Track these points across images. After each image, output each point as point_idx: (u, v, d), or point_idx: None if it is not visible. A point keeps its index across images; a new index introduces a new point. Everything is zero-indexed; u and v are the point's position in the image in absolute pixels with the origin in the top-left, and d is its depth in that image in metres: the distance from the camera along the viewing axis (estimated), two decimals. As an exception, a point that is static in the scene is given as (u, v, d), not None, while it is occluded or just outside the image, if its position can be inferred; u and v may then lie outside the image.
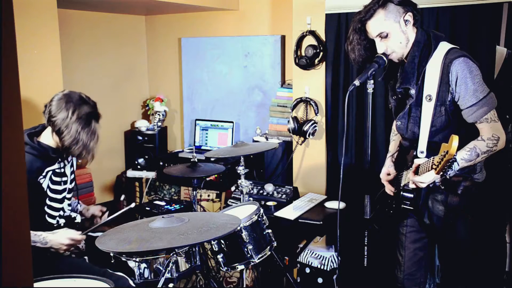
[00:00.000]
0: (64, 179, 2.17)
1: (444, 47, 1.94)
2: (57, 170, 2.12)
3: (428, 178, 1.83)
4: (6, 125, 0.68)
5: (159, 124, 4.31)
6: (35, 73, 2.71)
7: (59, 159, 2.13)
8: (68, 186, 2.20)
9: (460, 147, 1.86)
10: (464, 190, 1.93)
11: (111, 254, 1.99)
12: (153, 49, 4.62)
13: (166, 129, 4.47)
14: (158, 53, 4.59)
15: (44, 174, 2.06)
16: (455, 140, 1.55)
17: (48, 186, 2.09)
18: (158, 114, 4.32)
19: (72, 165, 2.25)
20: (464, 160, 1.83)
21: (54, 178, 2.11)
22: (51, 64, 2.81)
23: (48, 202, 2.11)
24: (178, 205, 3.21)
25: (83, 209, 2.39)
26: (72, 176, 2.25)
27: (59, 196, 2.14)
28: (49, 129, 2.08)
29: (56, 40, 2.83)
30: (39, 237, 1.98)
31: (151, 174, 4.12)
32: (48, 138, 2.08)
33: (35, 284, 1.56)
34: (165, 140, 4.42)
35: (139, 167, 4.19)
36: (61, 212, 2.18)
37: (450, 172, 1.77)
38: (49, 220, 2.13)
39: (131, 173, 4.21)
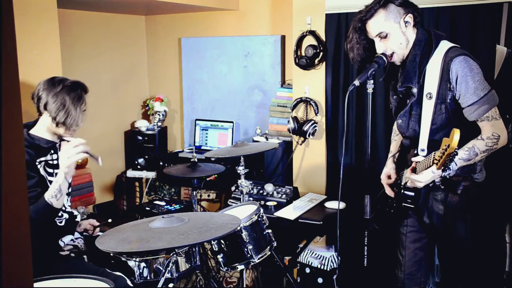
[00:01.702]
0: (57, 171, 2.16)
1: (444, 45, 1.94)
2: (50, 162, 2.12)
3: (426, 177, 1.83)
4: (6, 125, 0.68)
5: (159, 124, 4.31)
6: (35, 73, 2.71)
7: (52, 151, 2.14)
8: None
9: (460, 145, 1.87)
10: (463, 189, 1.93)
11: (111, 254, 1.99)
12: (153, 49, 4.62)
13: (166, 129, 4.47)
14: (158, 53, 4.59)
15: (37, 163, 2.07)
16: (456, 133, 1.54)
17: (46, 178, 2.09)
18: (158, 114, 4.32)
19: None
20: (462, 160, 1.83)
21: (48, 169, 2.11)
22: (51, 64, 2.81)
23: None
24: (178, 205, 3.21)
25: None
26: None
27: None
28: (41, 118, 2.09)
29: (56, 40, 2.83)
30: (57, 176, 2.01)
31: (151, 174, 4.12)
32: (40, 129, 2.09)
33: (35, 284, 1.56)
34: (165, 140, 4.42)
35: (139, 167, 4.19)
36: (63, 207, 2.17)
37: (450, 172, 1.76)
38: None
39: (131, 173, 4.21)
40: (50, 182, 2.11)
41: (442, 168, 1.68)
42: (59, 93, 2.04)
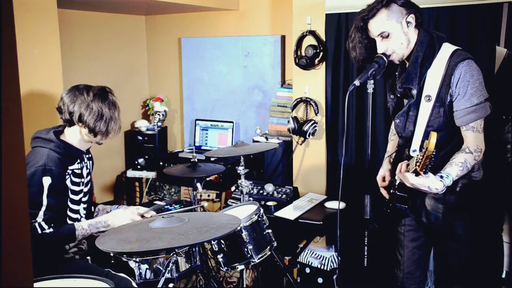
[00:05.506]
0: (82, 180, 2.17)
1: (447, 48, 1.94)
2: (76, 171, 2.12)
3: (418, 181, 1.78)
4: (6, 124, 0.68)
5: (159, 124, 4.31)
6: (35, 73, 2.71)
7: (78, 160, 2.14)
8: (84, 189, 2.18)
9: (456, 149, 1.88)
10: (462, 188, 1.94)
11: (111, 254, 1.99)
12: (153, 49, 4.62)
13: (166, 129, 4.47)
14: (158, 53, 4.59)
15: (67, 172, 2.07)
16: (433, 136, 1.58)
17: (69, 187, 2.09)
18: (158, 114, 4.32)
19: (87, 167, 2.23)
20: (458, 176, 1.86)
21: (73, 179, 2.11)
22: (51, 64, 2.81)
23: (68, 203, 2.10)
24: (178, 205, 3.20)
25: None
26: (88, 178, 2.23)
27: (76, 198, 2.13)
28: (72, 128, 2.09)
29: (56, 40, 2.83)
30: (100, 223, 2.04)
31: (151, 174, 4.12)
32: (72, 138, 2.09)
33: (35, 284, 1.56)
34: (165, 140, 4.42)
35: (139, 167, 4.19)
36: (78, 216, 2.16)
37: (445, 187, 1.80)
38: (70, 222, 2.10)
39: (131, 173, 4.21)
40: (72, 192, 2.10)
41: (424, 170, 1.70)
42: (92, 102, 2.03)
